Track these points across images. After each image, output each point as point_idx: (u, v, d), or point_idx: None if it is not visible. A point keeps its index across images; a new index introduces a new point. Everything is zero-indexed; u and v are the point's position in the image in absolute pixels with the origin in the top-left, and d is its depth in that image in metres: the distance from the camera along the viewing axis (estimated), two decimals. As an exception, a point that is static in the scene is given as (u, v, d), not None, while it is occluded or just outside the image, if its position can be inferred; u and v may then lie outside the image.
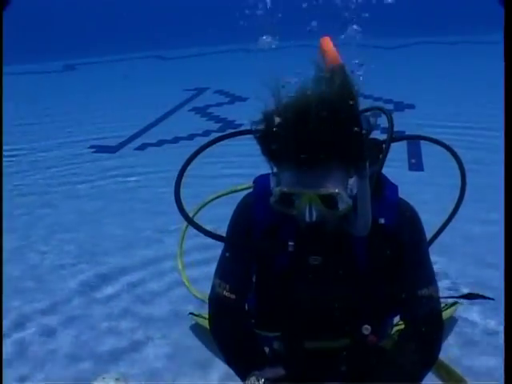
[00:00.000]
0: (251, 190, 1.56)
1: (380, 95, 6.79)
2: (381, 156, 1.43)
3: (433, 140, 1.90)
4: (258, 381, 1.37)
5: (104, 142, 6.09)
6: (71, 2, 13.56)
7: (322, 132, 1.19)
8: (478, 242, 3.48)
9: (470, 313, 2.76)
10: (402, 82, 8.10)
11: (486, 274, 3.08)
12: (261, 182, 1.51)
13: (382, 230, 1.42)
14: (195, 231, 1.56)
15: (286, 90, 1.29)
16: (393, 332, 1.76)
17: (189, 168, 1.62)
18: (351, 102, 1.23)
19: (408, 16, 11.88)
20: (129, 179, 4.95)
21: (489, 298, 2.43)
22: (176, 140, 5.98)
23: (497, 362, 2.37)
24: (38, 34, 11.55)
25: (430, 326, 1.47)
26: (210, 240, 1.53)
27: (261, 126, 1.30)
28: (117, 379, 2.43)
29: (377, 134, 1.44)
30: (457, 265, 3.20)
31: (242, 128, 1.56)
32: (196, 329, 2.72)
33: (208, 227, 1.56)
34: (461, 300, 2.74)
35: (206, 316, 1.66)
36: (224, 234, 1.58)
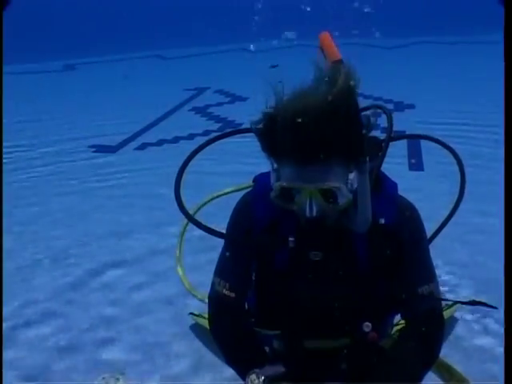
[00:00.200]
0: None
1: (380, 95, 6.79)
2: (380, 153, 1.43)
3: (433, 139, 1.90)
4: (258, 378, 1.36)
5: (104, 141, 6.09)
6: (71, 2, 13.56)
7: (322, 127, 1.19)
8: (477, 240, 3.49)
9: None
10: (402, 82, 8.10)
11: (485, 272, 3.09)
12: (260, 181, 1.51)
13: (381, 227, 1.42)
14: (194, 232, 1.56)
15: (286, 86, 1.29)
16: (393, 332, 1.76)
17: (188, 167, 1.63)
18: (351, 97, 1.23)
19: (408, 16, 11.89)
20: (128, 178, 4.95)
21: (492, 307, 2.43)
22: (176, 140, 5.99)
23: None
24: (38, 34, 11.53)
25: (431, 324, 1.47)
26: (208, 241, 1.54)
27: (261, 123, 1.29)
28: (117, 379, 2.44)
29: (377, 134, 1.44)
30: (456, 263, 3.21)
31: (242, 127, 1.56)
32: (196, 329, 2.73)
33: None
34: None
35: (206, 316, 1.66)
36: (224, 231, 1.58)
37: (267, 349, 1.58)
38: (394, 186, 1.50)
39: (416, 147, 5.09)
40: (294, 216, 1.38)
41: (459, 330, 2.66)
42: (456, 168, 1.98)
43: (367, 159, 1.31)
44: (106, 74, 10.50)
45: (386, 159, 1.50)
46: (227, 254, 1.55)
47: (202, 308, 2.42)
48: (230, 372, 1.91)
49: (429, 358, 1.48)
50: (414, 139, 5.04)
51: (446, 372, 2.16)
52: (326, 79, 1.25)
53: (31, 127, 6.81)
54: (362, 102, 1.33)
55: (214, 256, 1.63)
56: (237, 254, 1.53)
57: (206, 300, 1.63)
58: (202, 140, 1.76)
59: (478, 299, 1.69)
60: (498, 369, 2.33)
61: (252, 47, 11.30)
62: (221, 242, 1.64)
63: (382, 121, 1.50)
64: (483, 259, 3.24)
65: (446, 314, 2.35)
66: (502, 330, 2.47)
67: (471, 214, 3.60)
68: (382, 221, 1.42)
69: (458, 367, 2.20)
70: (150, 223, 3.97)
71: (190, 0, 13.52)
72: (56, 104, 8.07)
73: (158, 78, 9.63)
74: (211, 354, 2.53)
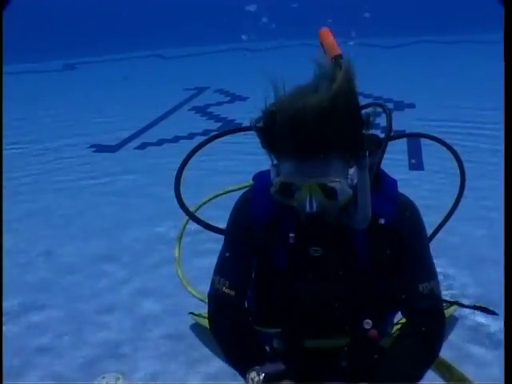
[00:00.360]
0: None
1: (380, 94, 6.78)
2: (380, 150, 1.43)
3: (432, 138, 1.90)
4: (259, 376, 1.36)
5: (104, 141, 6.10)
6: (71, 2, 13.55)
7: (322, 122, 1.18)
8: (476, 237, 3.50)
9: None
10: (402, 82, 8.09)
11: (485, 271, 3.09)
12: (260, 179, 1.51)
13: (381, 224, 1.41)
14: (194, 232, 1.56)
15: (285, 83, 1.29)
16: (393, 331, 1.76)
17: (188, 166, 1.62)
18: (351, 92, 1.22)
19: (408, 15, 11.89)
20: (128, 178, 4.96)
21: (493, 313, 2.43)
22: (176, 139, 5.99)
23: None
24: (38, 33, 11.54)
25: (431, 322, 1.47)
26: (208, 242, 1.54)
27: (260, 120, 1.29)
28: (117, 378, 2.44)
29: (377, 134, 1.44)
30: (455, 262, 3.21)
31: (243, 125, 1.55)
32: (196, 328, 2.73)
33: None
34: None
35: (206, 315, 1.66)
36: (224, 228, 1.57)
37: (267, 348, 1.58)
38: (394, 183, 1.50)
39: (416, 147, 5.09)
40: (294, 213, 1.38)
41: (459, 329, 2.66)
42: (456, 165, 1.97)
43: (367, 154, 1.30)
44: (105, 73, 10.51)
45: (386, 161, 1.50)
46: (227, 251, 1.55)
47: (202, 308, 2.43)
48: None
49: (429, 355, 1.48)
50: (414, 138, 5.08)
51: (447, 371, 2.16)
52: (326, 75, 1.25)
53: (31, 126, 6.82)
54: (362, 101, 1.33)
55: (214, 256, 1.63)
56: (237, 252, 1.53)
57: (205, 299, 1.62)
58: (201, 139, 1.76)
59: (479, 302, 1.70)
60: (498, 368, 2.33)
61: (244, 37, 11.31)
62: (221, 241, 1.64)
63: (382, 121, 1.50)
64: (483, 258, 3.24)
65: (446, 313, 2.35)
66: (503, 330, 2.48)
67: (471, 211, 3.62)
68: (382, 218, 1.41)
69: (458, 366, 2.21)
70: (149, 223, 3.98)
71: (190, 0, 13.51)
72: (56, 103, 8.06)
73: (158, 78, 9.63)
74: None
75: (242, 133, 1.67)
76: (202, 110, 7.30)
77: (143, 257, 3.53)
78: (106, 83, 9.46)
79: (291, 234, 1.41)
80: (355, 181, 1.30)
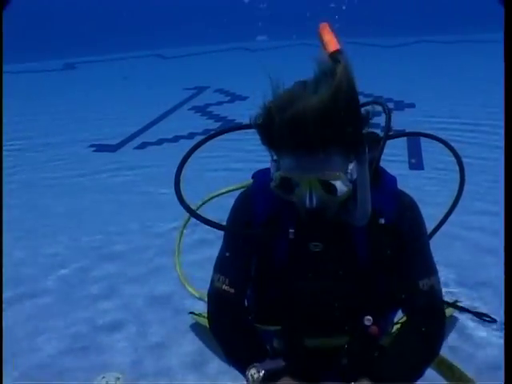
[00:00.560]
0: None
1: (380, 94, 6.78)
2: (379, 146, 1.43)
3: (432, 136, 1.90)
4: (259, 372, 1.36)
5: (104, 140, 6.10)
6: (71, 1, 13.55)
7: (321, 117, 1.18)
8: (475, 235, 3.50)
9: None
10: (402, 81, 8.09)
11: (485, 270, 3.09)
12: (260, 177, 1.51)
13: (381, 220, 1.41)
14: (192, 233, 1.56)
15: (285, 80, 1.29)
16: (393, 330, 1.76)
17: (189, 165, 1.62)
18: (350, 87, 1.22)
19: (408, 15, 11.89)
20: (128, 177, 4.96)
21: (492, 320, 2.44)
22: (176, 139, 5.99)
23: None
24: (38, 33, 11.53)
25: (431, 319, 1.47)
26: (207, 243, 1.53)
27: (260, 116, 1.29)
28: (117, 378, 2.44)
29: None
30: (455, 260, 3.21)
31: (242, 123, 1.54)
32: (196, 328, 2.73)
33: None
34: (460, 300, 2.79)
35: (206, 315, 1.66)
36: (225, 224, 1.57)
37: (267, 347, 1.58)
38: (394, 179, 1.50)
39: (416, 146, 5.09)
40: (294, 209, 1.38)
41: (458, 328, 2.65)
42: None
43: (366, 150, 1.30)
44: (105, 73, 10.51)
45: (387, 161, 1.50)
46: (227, 249, 1.55)
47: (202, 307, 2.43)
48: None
49: (429, 353, 1.48)
50: (414, 138, 5.08)
51: (447, 369, 2.16)
52: (325, 70, 1.25)
53: (31, 126, 6.82)
54: (362, 101, 1.32)
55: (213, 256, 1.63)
56: (236, 250, 1.53)
57: (204, 298, 1.62)
58: (201, 139, 1.76)
59: (478, 301, 1.70)
60: (498, 368, 2.33)
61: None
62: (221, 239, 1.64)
63: (382, 120, 1.50)
64: (483, 256, 3.24)
65: (446, 313, 2.35)
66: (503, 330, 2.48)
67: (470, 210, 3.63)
68: (382, 215, 1.41)
69: (459, 365, 2.20)
70: (149, 221, 3.98)
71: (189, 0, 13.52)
72: (56, 103, 8.07)
73: (158, 77, 9.64)
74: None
75: (243, 131, 1.66)
76: (201, 110, 7.31)
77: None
78: (105, 83, 9.46)
79: (291, 230, 1.41)
80: (355, 176, 1.30)
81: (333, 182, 1.27)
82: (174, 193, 1.56)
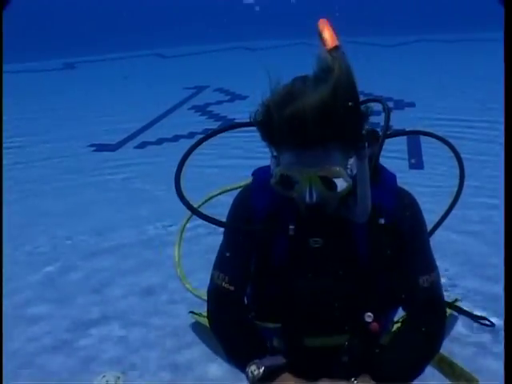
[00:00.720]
0: None
1: (380, 93, 6.78)
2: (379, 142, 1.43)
3: (431, 134, 1.89)
4: (259, 369, 1.36)
5: (104, 139, 6.10)
6: (71, 1, 13.55)
7: (321, 114, 1.18)
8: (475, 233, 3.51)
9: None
10: (402, 80, 8.10)
11: (486, 269, 3.09)
12: (259, 174, 1.51)
13: (381, 217, 1.41)
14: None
15: (284, 76, 1.29)
16: (394, 329, 1.76)
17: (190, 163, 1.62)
18: (349, 82, 1.22)
19: (408, 14, 11.89)
20: (128, 177, 4.96)
21: (490, 325, 2.44)
22: (176, 138, 5.99)
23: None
24: (37, 33, 11.54)
25: (432, 315, 1.47)
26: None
27: (259, 113, 1.29)
28: (117, 377, 2.44)
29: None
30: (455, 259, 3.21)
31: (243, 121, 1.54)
32: (196, 327, 2.73)
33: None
34: (460, 298, 2.79)
35: (206, 314, 1.65)
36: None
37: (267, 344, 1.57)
38: (393, 177, 1.49)
39: (416, 146, 5.09)
40: (294, 205, 1.38)
41: (458, 328, 2.66)
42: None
43: (366, 145, 1.30)
44: (105, 72, 10.51)
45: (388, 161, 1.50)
46: (226, 246, 1.55)
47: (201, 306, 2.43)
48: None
49: (430, 349, 1.47)
50: (414, 137, 5.08)
51: (448, 367, 2.15)
52: (323, 66, 1.25)
53: (31, 125, 6.83)
54: (361, 99, 1.32)
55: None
56: (236, 247, 1.52)
57: (203, 296, 1.62)
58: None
59: (478, 302, 1.70)
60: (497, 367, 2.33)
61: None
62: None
63: (382, 120, 1.50)
64: (483, 255, 3.24)
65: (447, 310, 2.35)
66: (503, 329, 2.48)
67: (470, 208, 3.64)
68: (382, 211, 1.41)
69: (460, 363, 2.20)
70: (149, 221, 3.98)
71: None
72: (56, 102, 8.07)
73: (158, 77, 9.64)
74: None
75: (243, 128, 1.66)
76: (201, 109, 7.31)
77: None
78: (105, 82, 9.47)
79: (291, 226, 1.40)
80: (354, 171, 1.30)
81: (333, 176, 1.27)
82: (171, 191, 1.56)
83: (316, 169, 1.26)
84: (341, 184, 1.28)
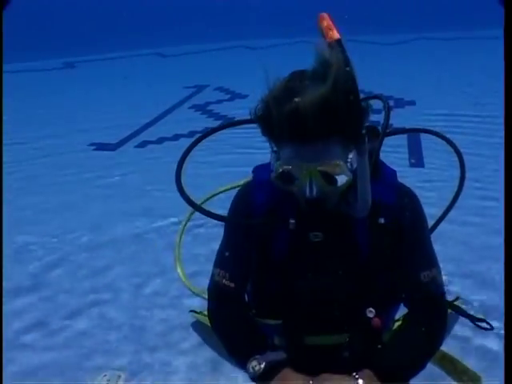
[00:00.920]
0: None
1: (380, 92, 6.77)
2: (379, 139, 1.43)
3: (432, 132, 1.89)
4: (260, 364, 1.35)
5: (104, 139, 6.10)
6: (71, 1, 13.55)
7: (320, 110, 1.18)
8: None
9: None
10: (402, 79, 8.09)
11: (485, 268, 3.10)
12: (259, 171, 1.51)
13: (381, 212, 1.41)
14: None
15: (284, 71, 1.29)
16: (394, 327, 1.75)
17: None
18: (349, 77, 1.22)
19: (407, 12, 11.88)
20: (128, 176, 4.96)
21: (489, 328, 2.42)
22: (176, 137, 5.99)
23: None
24: (37, 32, 11.55)
25: (433, 311, 1.46)
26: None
27: (259, 108, 1.29)
28: (118, 376, 2.45)
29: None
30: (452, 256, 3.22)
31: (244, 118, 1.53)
32: (197, 326, 2.73)
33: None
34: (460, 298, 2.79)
35: (207, 313, 1.66)
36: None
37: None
38: (394, 172, 1.49)
39: (416, 145, 5.09)
40: (294, 200, 1.38)
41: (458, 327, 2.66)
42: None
43: (366, 140, 1.30)
44: (105, 71, 10.51)
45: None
46: (227, 244, 1.55)
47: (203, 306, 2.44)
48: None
49: (431, 345, 1.47)
50: (414, 136, 5.08)
51: (450, 364, 2.15)
52: (323, 60, 1.24)
53: (30, 125, 6.82)
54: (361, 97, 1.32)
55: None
56: (237, 244, 1.52)
57: (203, 295, 1.61)
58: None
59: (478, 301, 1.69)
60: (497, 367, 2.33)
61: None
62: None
63: (382, 118, 1.50)
64: (483, 254, 3.24)
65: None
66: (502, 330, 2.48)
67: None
68: (382, 206, 1.41)
69: (462, 360, 2.19)
70: (149, 220, 3.99)
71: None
72: (56, 102, 8.08)
73: (158, 76, 9.64)
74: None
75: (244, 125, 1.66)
76: (201, 108, 7.31)
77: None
78: (105, 81, 9.46)
79: (291, 220, 1.40)
80: (355, 165, 1.30)
81: (333, 170, 1.27)
82: (171, 190, 1.56)
83: (316, 163, 1.26)
84: (341, 178, 1.28)
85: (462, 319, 2.63)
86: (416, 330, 1.44)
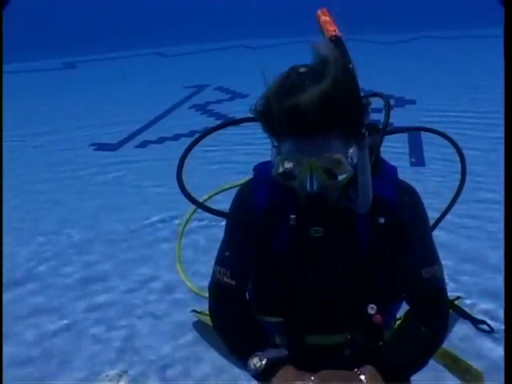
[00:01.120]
0: None
1: (380, 91, 6.77)
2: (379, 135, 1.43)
3: (432, 130, 1.89)
4: (261, 361, 1.36)
5: (104, 139, 6.10)
6: (71, 1, 13.55)
7: (321, 107, 1.18)
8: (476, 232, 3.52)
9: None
10: (402, 78, 8.09)
11: (485, 266, 3.10)
12: (260, 168, 1.51)
13: (382, 208, 1.41)
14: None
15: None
16: (395, 326, 1.75)
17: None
18: (349, 73, 1.22)
19: (407, 11, 11.88)
20: (129, 176, 4.97)
21: (489, 330, 2.43)
22: (177, 137, 5.99)
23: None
24: (37, 32, 11.54)
25: (435, 307, 1.46)
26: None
27: (260, 104, 1.29)
28: (120, 376, 2.45)
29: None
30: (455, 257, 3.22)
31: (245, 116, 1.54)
32: (198, 326, 2.73)
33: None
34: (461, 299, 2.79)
35: (208, 313, 1.66)
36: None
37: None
38: (394, 169, 1.49)
39: (417, 144, 5.09)
40: (295, 196, 1.38)
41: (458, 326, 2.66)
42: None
43: (366, 134, 1.30)
44: (106, 71, 10.51)
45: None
46: (228, 241, 1.55)
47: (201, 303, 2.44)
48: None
49: (432, 342, 1.46)
50: (415, 135, 5.08)
51: (452, 362, 2.15)
52: (323, 56, 1.24)
53: (30, 125, 6.82)
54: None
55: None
56: (237, 242, 1.53)
57: (203, 293, 1.61)
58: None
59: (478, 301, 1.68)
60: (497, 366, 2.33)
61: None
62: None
63: (382, 117, 1.50)
64: (483, 253, 3.24)
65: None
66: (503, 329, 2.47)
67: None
68: (382, 202, 1.40)
69: (464, 358, 2.20)
70: (149, 220, 4.00)
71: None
72: (56, 102, 8.07)
73: (158, 76, 9.63)
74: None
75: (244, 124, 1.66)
76: (202, 108, 7.31)
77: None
78: (106, 81, 9.46)
79: (292, 216, 1.40)
80: (355, 160, 1.30)
81: (333, 163, 1.27)
82: (171, 190, 1.56)
83: (316, 157, 1.26)
84: (341, 172, 1.28)
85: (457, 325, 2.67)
86: (418, 326, 1.44)
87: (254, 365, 1.36)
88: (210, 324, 1.64)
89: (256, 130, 1.37)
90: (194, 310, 2.74)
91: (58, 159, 5.55)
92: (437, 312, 1.47)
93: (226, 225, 1.57)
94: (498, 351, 2.41)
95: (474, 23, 10.83)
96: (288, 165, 1.30)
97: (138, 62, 11.12)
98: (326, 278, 1.46)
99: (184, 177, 1.51)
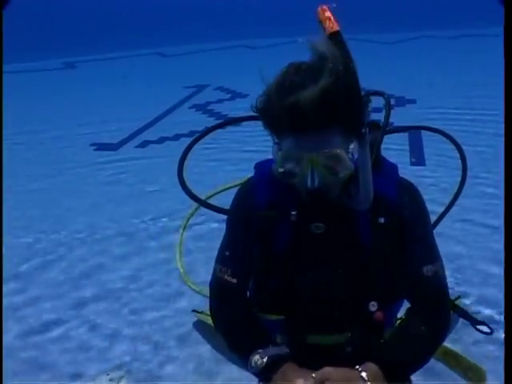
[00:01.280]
0: None
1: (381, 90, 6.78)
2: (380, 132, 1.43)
3: (432, 129, 1.90)
4: (262, 359, 1.36)
5: (105, 139, 6.11)
6: (71, 1, 13.55)
7: (321, 105, 1.18)
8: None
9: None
10: (403, 78, 8.09)
11: (485, 266, 3.10)
12: (261, 166, 1.51)
13: (383, 205, 1.41)
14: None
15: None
16: (396, 325, 1.75)
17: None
18: (349, 70, 1.22)
19: (407, 11, 11.87)
20: (129, 176, 4.97)
21: (489, 332, 2.42)
22: (177, 137, 5.99)
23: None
24: (37, 32, 11.54)
25: (436, 305, 1.45)
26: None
27: (260, 101, 1.29)
28: (121, 376, 2.45)
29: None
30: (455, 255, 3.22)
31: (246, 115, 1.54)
32: (199, 326, 2.73)
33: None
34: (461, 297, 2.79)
35: (209, 313, 1.66)
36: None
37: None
38: (395, 166, 1.50)
39: (417, 142, 5.09)
40: (296, 193, 1.38)
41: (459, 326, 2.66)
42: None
43: (367, 131, 1.30)
44: (106, 71, 10.51)
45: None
46: (229, 239, 1.55)
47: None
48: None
49: (434, 340, 1.46)
50: (415, 135, 5.09)
51: (453, 360, 2.15)
52: (323, 53, 1.24)
53: (31, 125, 6.82)
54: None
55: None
56: (238, 240, 1.53)
57: (203, 292, 1.61)
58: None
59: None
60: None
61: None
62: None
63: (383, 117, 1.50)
64: (483, 253, 3.25)
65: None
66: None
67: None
68: (383, 199, 1.41)
69: (466, 356, 2.19)
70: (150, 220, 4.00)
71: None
72: (56, 102, 8.08)
73: (158, 76, 9.64)
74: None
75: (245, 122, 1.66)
76: (202, 108, 7.32)
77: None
78: (106, 81, 9.46)
79: (293, 212, 1.40)
80: (356, 156, 1.30)
81: (334, 159, 1.27)
82: (171, 189, 1.56)
83: (317, 153, 1.26)
84: (342, 168, 1.28)
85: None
86: (419, 323, 1.43)
87: (256, 362, 1.36)
88: (211, 324, 1.64)
89: (255, 128, 1.37)
90: (194, 310, 2.74)
91: (57, 158, 5.57)
92: (438, 310, 1.46)
93: (227, 223, 1.57)
94: (498, 351, 2.42)
95: (474, 23, 10.83)
96: (289, 161, 1.30)
97: (137, 62, 11.12)
98: (326, 277, 1.45)
99: (185, 174, 1.51)
